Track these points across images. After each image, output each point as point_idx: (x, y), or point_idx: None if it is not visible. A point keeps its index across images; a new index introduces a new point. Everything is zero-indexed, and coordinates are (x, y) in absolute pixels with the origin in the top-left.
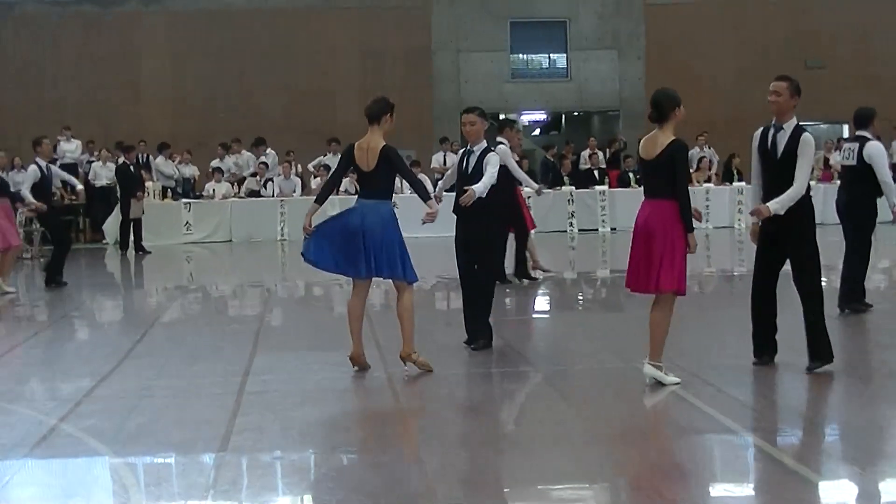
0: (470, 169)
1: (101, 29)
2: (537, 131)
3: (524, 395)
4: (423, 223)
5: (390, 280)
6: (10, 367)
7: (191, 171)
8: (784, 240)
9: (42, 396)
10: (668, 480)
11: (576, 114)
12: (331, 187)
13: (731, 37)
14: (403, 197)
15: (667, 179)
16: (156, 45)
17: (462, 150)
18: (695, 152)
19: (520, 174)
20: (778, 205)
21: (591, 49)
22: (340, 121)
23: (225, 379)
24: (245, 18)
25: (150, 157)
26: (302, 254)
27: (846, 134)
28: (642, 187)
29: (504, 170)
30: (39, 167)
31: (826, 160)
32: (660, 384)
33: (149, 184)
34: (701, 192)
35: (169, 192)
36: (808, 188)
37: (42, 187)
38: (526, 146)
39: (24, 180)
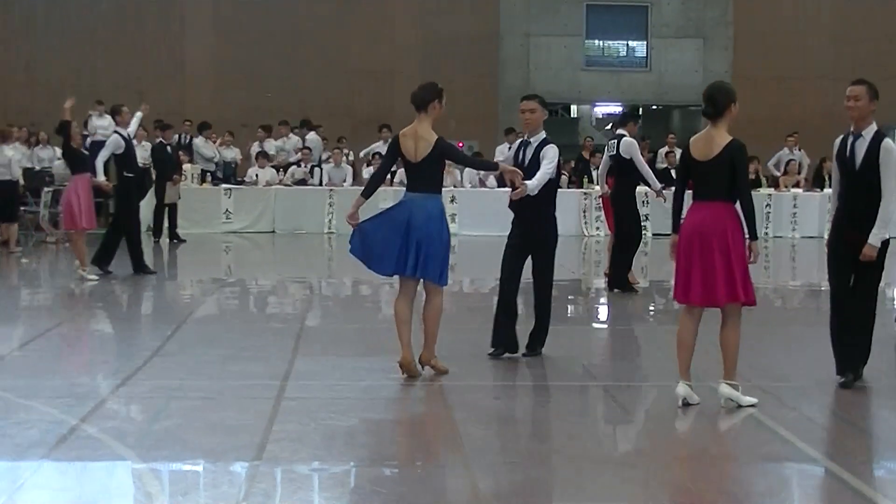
0: (527, 161)
1: (140, 4)
2: (611, 125)
3: (583, 410)
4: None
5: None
6: (27, 361)
7: (232, 154)
8: (859, 248)
9: (62, 394)
10: None
11: (654, 107)
12: (378, 180)
13: (828, 29)
14: (463, 192)
15: (724, 182)
16: (201, 16)
17: (518, 141)
18: (783, 154)
19: (646, 171)
20: (879, 233)
21: (674, 37)
22: (398, 107)
23: (262, 382)
24: None
25: (191, 138)
26: (349, 250)
27: None
28: (693, 189)
29: (631, 165)
30: (122, 136)
31: None
32: (736, 405)
33: (187, 166)
34: (788, 198)
35: (208, 177)
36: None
37: (126, 158)
38: (599, 140)
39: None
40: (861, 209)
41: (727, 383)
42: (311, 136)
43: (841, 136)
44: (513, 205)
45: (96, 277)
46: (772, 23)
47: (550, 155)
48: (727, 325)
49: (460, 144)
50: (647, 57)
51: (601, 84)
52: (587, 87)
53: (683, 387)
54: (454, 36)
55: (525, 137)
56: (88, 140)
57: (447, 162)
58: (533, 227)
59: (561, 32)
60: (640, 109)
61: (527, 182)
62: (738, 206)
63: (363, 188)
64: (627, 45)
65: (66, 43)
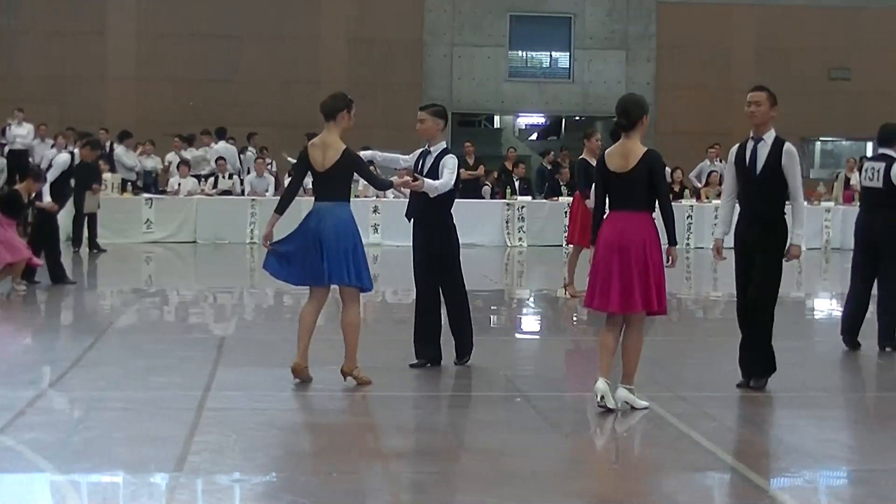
0: (426, 170)
1: (64, 5)
2: (535, 136)
3: (506, 420)
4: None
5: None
6: None
7: (153, 163)
8: (754, 254)
9: None
10: None
11: (578, 118)
12: (290, 195)
13: (750, 42)
14: (386, 202)
15: (642, 192)
16: (125, 26)
17: (420, 151)
18: (705, 165)
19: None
20: (800, 232)
21: (598, 49)
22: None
23: (183, 393)
24: (227, 1)
25: (111, 146)
26: (263, 266)
27: (870, 152)
28: (609, 201)
29: None
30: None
31: (847, 180)
32: (631, 408)
33: (107, 175)
34: (710, 209)
35: (129, 186)
36: (784, 204)
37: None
38: (521, 151)
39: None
40: (762, 212)
41: (625, 387)
42: (222, 146)
43: (738, 143)
44: (410, 213)
45: (24, 289)
46: (695, 35)
47: (450, 165)
48: (631, 331)
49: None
50: (570, 68)
51: (525, 95)
52: (511, 97)
53: (602, 383)
54: (380, 45)
55: (427, 147)
56: (6, 149)
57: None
58: (433, 235)
59: (485, 43)
60: (564, 120)
61: (427, 180)
62: (654, 215)
63: (276, 205)
64: (551, 56)
65: None
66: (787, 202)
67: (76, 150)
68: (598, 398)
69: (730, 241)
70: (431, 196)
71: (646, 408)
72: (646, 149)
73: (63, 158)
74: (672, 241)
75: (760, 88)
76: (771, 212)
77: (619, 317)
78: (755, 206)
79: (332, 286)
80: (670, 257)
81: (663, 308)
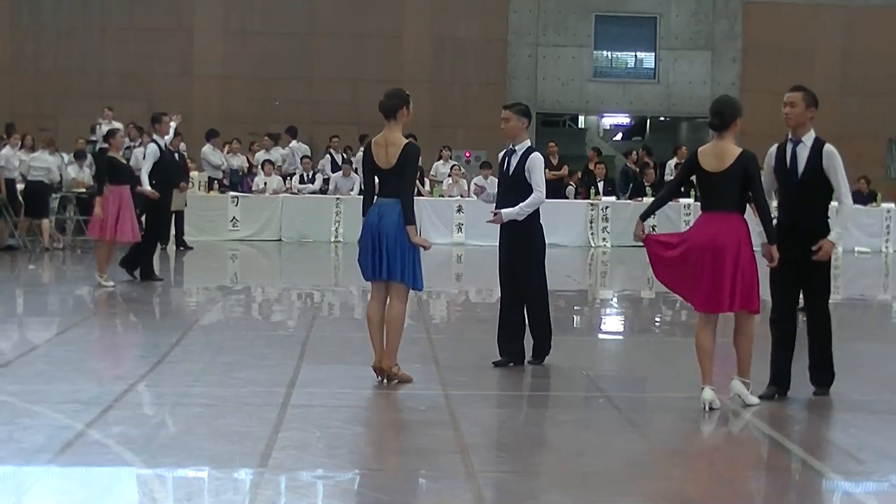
0: (511, 169)
1: (150, 4)
2: (619, 136)
3: (587, 421)
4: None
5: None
6: (35, 366)
7: (239, 161)
8: (804, 262)
9: (68, 399)
10: None
11: (662, 119)
12: (369, 196)
13: (836, 42)
14: (470, 201)
15: (736, 192)
16: (209, 24)
17: (504, 150)
18: None
19: None
20: (840, 231)
21: (683, 49)
22: None
23: (267, 390)
24: None
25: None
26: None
27: None
28: (700, 200)
29: None
30: (158, 146)
31: None
32: (743, 403)
33: (194, 174)
34: None
35: (215, 184)
36: (827, 209)
37: (163, 166)
38: (607, 152)
39: (144, 160)
40: (806, 219)
41: (740, 380)
42: (298, 145)
43: (776, 145)
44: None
45: (112, 285)
46: (781, 35)
47: (537, 171)
48: (744, 332)
49: (467, 154)
50: (655, 68)
51: (609, 95)
52: (595, 97)
53: (709, 391)
54: (464, 45)
55: (510, 146)
56: (97, 147)
57: (452, 170)
58: (520, 236)
59: (570, 43)
60: (648, 121)
61: (503, 211)
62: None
63: (362, 210)
64: (636, 56)
65: (73, 42)
66: (828, 207)
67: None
68: (706, 408)
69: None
70: (521, 220)
71: (757, 405)
72: (741, 149)
73: (153, 148)
74: (771, 239)
75: (797, 89)
76: (814, 218)
77: (713, 317)
78: (797, 212)
79: None
80: (772, 256)
81: (755, 307)
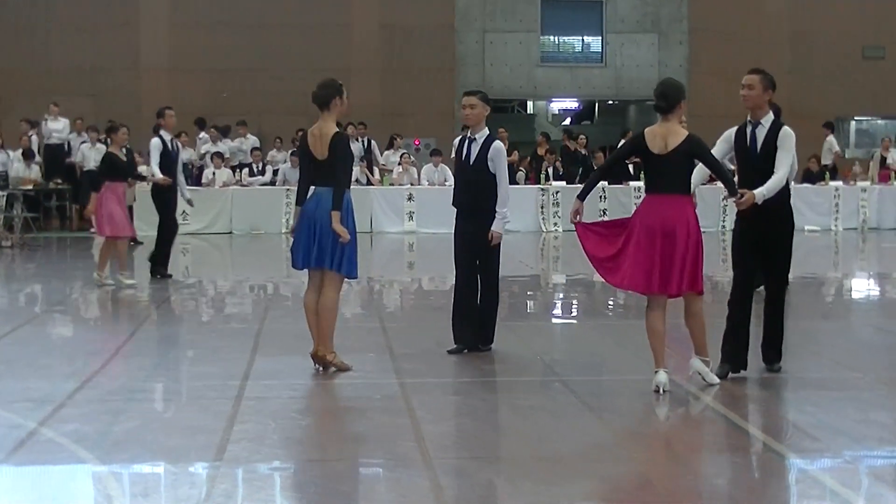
0: (472, 158)
1: None
2: (568, 120)
3: (543, 405)
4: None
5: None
6: None
7: (188, 155)
8: (762, 242)
9: (20, 398)
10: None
11: (611, 103)
12: (305, 185)
13: (782, 22)
14: (421, 189)
15: (682, 174)
16: (156, 16)
17: (461, 137)
18: None
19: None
20: (765, 190)
21: (630, 32)
22: (356, 103)
23: (222, 383)
24: None
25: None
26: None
27: None
28: (646, 183)
29: None
30: (162, 139)
31: (883, 159)
32: (703, 380)
33: (142, 168)
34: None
35: None
36: (789, 189)
37: (167, 162)
38: (556, 137)
39: (150, 154)
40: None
41: (701, 358)
42: (250, 137)
43: (737, 127)
44: (456, 202)
45: (112, 283)
46: (727, 16)
47: (501, 162)
48: (689, 311)
49: (416, 142)
50: (602, 52)
51: (557, 80)
52: (543, 82)
53: (663, 374)
54: (412, 33)
55: (469, 134)
56: (42, 143)
57: (402, 158)
58: (478, 225)
59: (517, 28)
60: (597, 105)
61: (493, 230)
62: (692, 197)
63: (296, 197)
64: (583, 40)
65: (18, 38)
66: (789, 187)
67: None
68: (661, 391)
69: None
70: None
71: (716, 384)
72: (687, 132)
73: (156, 142)
74: (733, 191)
75: (755, 72)
76: (775, 197)
77: (661, 298)
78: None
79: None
80: (745, 197)
81: (700, 287)
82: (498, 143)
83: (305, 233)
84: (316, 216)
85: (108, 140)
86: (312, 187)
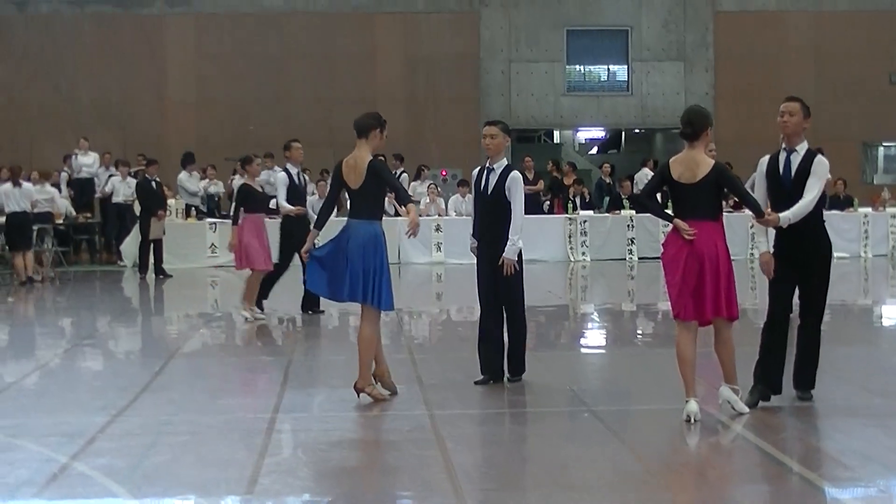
0: (490, 188)
1: (122, 31)
2: (595, 149)
3: (572, 435)
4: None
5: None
6: (16, 400)
7: (216, 187)
8: (798, 268)
9: (51, 432)
10: None
11: (637, 131)
12: (327, 210)
13: (808, 48)
14: (448, 220)
15: (711, 202)
16: (182, 50)
17: (479, 168)
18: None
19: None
20: (790, 214)
21: (655, 60)
22: None
23: (252, 415)
24: (281, 22)
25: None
26: (307, 285)
27: None
28: (674, 211)
29: None
30: (288, 173)
31: None
32: (732, 408)
33: (171, 201)
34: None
35: (193, 211)
36: (822, 215)
37: (295, 195)
38: (582, 166)
39: (276, 187)
40: (801, 222)
41: (730, 387)
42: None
43: (768, 156)
44: (476, 232)
45: (263, 316)
46: (752, 42)
47: (518, 191)
48: (719, 339)
49: (444, 173)
50: (628, 81)
51: (583, 109)
52: (569, 112)
53: (694, 403)
54: (436, 63)
55: (488, 164)
56: (72, 177)
57: (429, 189)
58: (498, 253)
59: (542, 58)
60: (623, 133)
61: (505, 258)
62: (722, 223)
63: (315, 221)
64: (608, 69)
65: (45, 72)
66: (822, 212)
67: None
68: (692, 420)
69: None
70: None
71: (746, 413)
72: (713, 161)
73: (282, 176)
74: (759, 212)
75: (794, 99)
76: (808, 222)
77: (692, 325)
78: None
79: None
80: (770, 220)
81: (734, 313)
82: (515, 173)
83: (343, 266)
84: (348, 250)
85: (242, 171)
86: (346, 219)
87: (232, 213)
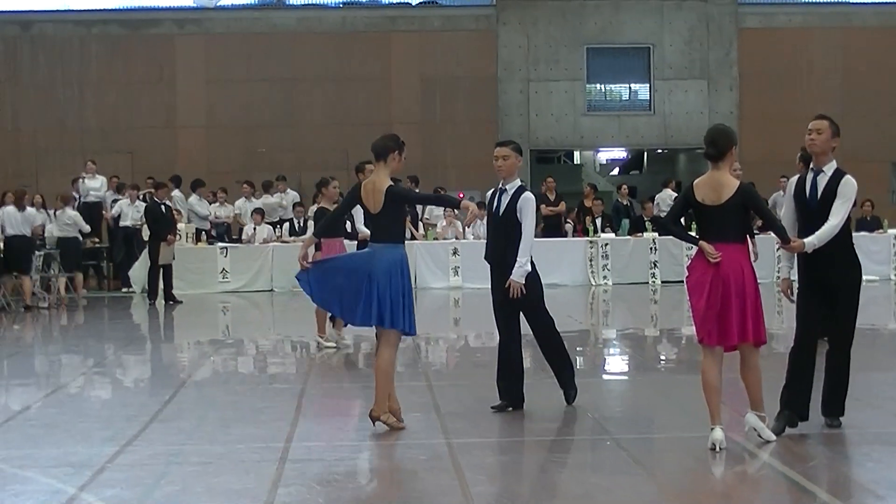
0: (502, 210)
1: (130, 52)
2: (616, 170)
3: (594, 464)
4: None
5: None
6: (23, 430)
7: (227, 211)
8: (827, 292)
9: (59, 462)
10: None
11: (659, 151)
12: (333, 222)
13: (836, 64)
14: (466, 244)
15: (737, 224)
16: (192, 71)
17: (493, 190)
18: (778, 196)
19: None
20: (815, 239)
21: (677, 79)
22: None
23: (264, 445)
24: (293, 42)
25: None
26: (297, 277)
27: None
28: (698, 234)
29: None
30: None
31: None
32: (758, 435)
33: (181, 226)
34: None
35: (203, 235)
36: (850, 237)
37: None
38: (603, 187)
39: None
40: (826, 248)
41: (756, 414)
42: (290, 192)
43: (798, 175)
44: (488, 255)
45: (334, 345)
46: (778, 60)
47: (529, 212)
48: (752, 365)
49: (461, 195)
50: (650, 99)
51: (604, 129)
52: (589, 132)
53: (719, 431)
54: (453, 84)
55: (500, 185)
56: (80, 201)
57: (446, 213)
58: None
59: (562, 77)
60: (646, 154)
61: (513, 277)
62: (748, 245)
63: (316, 228)
64: (630, 88)
65: (52, 97)
66: (851, 234)
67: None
68: (717, 448)
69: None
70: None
71: (773, 440)
72: (738, 182)
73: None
74: (786, 239)
75: (823, 117)
76: (836, 244)
77: (718, 351)
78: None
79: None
80: (794, 246)
81: (761, 338)
82: (528, 194)
83: (357, 288)
84: (371, 272)
85: (318, 195)
86: (369, 243)
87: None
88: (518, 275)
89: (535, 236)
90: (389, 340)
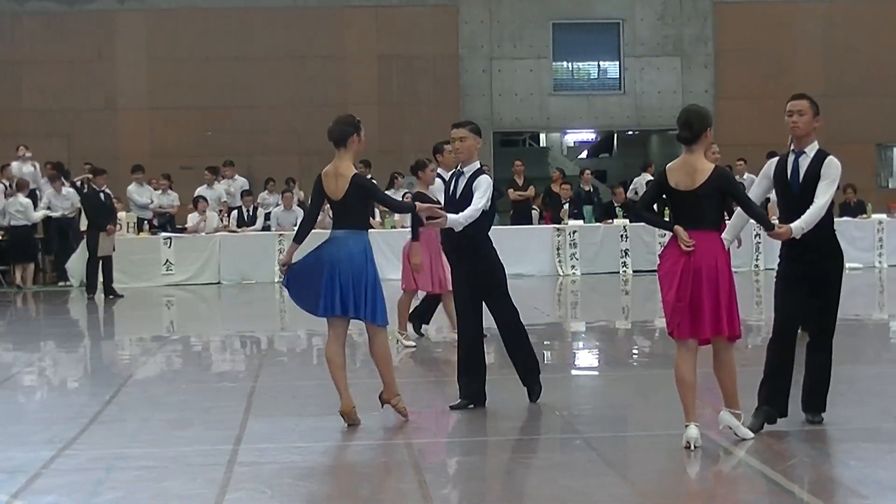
0: (458, 193)
1: (66, 29)
2: (584, 154)
3: (562, 464)
4: (428, 224)
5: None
6: None
7: (170, 199)
8: (806, 281)
9: None
10: None
11: (630, 133)
12: (308, 224)
13: (818, 42)
14: None
15: (711, 210)
16: (133, 49)
17: (451, 172)
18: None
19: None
20: (802, 223)
21: (650, 56)
22: None
23: (212, 447)
24: (241, 19)
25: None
26: (284, 285)
27: None
28: (672, 220)
29: None
30: (441, 178)
31: None
32: (734, 433)
33: (121, 214)
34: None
35: (145, 225)
36: (832, 223)
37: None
38: (571, 172)
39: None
40: (809, 233)
41: (730, 411)
42: (238, 178)
43: (776, 158)
44: (447, 243)
45: (413, 345)
46: (756, 37)
47: (483, 188)
48: (719, 359)
49: None
50: (620, 78)
51: (572, 109)
52: (557, 113)
53: (694, 429)
54: (412, 63)
55: (458, 168)
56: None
57: (404, 198)
58: (472, 265)
59: (527, 55)
60: (616, 136)
61: (450, 216)
62: (722, 233)
63: (295, 234)
64: (599, 65)
65: None
66: (833, 221)
67: None
68: (692, 446)
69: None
70: (457, 230)
71: (750, 438)
72: (713, 165)
73: (438, 182)
74: (769, 226)
75: (802, 96)
76: (819, 231)
77: (692, 344)
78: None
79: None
80: (782, 232)
81: (735, 331)
82: (485, 176)
83: (326, 278)
84: (334, 262)
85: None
86: (331, 230)
87: (410, 228)
88: (452, 221)
89: (503, 223)
90: (378, 330)
